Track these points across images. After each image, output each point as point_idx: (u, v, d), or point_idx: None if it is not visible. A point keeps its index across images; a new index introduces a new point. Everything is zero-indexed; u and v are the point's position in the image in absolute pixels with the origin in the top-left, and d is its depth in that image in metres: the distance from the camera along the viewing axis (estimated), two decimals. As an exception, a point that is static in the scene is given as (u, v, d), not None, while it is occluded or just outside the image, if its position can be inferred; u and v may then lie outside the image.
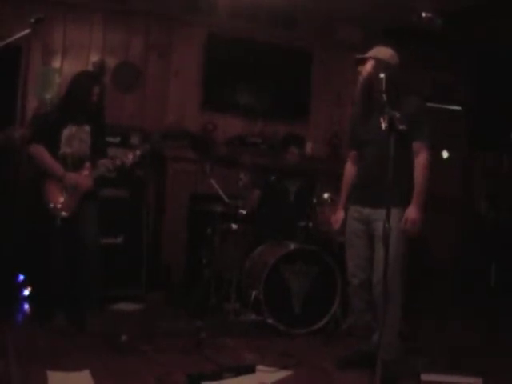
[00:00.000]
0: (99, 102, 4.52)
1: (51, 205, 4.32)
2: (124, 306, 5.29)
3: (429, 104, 4.68)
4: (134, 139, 5.70)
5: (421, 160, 3.71)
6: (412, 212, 3.65)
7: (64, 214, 4.33)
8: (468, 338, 5.05)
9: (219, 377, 3.49)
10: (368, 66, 3.80)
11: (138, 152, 4.57)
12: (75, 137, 4.42)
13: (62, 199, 4.34)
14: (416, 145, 3.73)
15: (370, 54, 3.84)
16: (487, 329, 5.43)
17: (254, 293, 4.78)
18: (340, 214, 4.13)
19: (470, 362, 4.20)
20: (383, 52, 3.82)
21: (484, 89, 7.27)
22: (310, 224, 5.10)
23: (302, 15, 6.70)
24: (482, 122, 7.33)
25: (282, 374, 3.71)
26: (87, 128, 4.47)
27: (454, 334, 5.18)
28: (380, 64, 3.72)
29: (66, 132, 4.39)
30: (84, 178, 4.39)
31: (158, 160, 6.07)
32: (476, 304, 6.27)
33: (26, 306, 5.05)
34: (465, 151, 7.55)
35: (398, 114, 3.20)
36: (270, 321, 4.70)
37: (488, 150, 7.39)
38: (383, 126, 3.22)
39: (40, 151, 4.35)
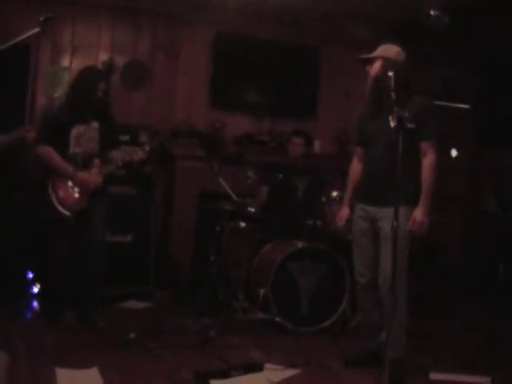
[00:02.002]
0: (105, 97, 4.52)
1: (59, 204, 4.33)
2: (132, 304, 5.31)
3: (436, 102, 4.66)
4: (143, 137, 5.72)
5: (428, 160, 3.71)
6: (419, 213, 3.65)
7: (72, 212, 4.35)
8: (473, 337, 5.03)
9: (227, 375, 3.50)
10: (376, 66, 3.78)
11: (147, 148, 4.59)
12: (84, 135, 4.42)
13: (70, 198, 4.36)
14: (424, 145, 3.72)
15: (377, 53, 3.83)
16: (493, 328, 5.41)
17: (261, 291, 4.78)
18: (345, 212, 4.13)
19: (476, 361, 4.20)
20: (390, 50, 3.81)
21: (491, 87, 7.25)
22: (319, 222, 5.11)
23: (309, 12, 6.67)
24: (488, 120, 7.31)
25: (290, 372, 3.72)
26: (95, 124, 4.46)
27: (460, 333, 5.16)
28: (388, 63, 3.70)
29: (74, 132, 4.39)
30: (93, 176, 4.39)
31: (167, 158, 6.08)
32: (483, 303, 6.25)
33: (35, 304, 5.07)
34: (472, 150, 7.53)
35: (407, 113, 3.20)
36: (277, 319, 4.70)
37: (495, 149, 7.36)
38: (392, 124, 3.22)
39: (49, 152, 4.35)
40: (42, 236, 5.08)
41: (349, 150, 6.60)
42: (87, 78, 4.47)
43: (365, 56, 3.87)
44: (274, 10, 6.44)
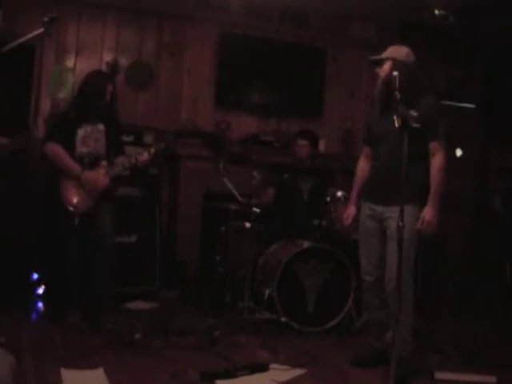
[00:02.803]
0: (112, 100, 4.54)
1: (67, 203, 4.34)
2: (138, 305, 5.30)
3: (443, 102, 4.65)
4: (148, 138, 5.72)
5: (437, 160, 3.71)
6: (428, 212, 3.65)
7: (80, 212, 4.35)
8: (479, 337, 5.01)
9: (233, 375, 3.50)
10: (386, 67, 3.78)
11: (152, 150, 4.59)
12: (90, 136, 4.44)
13: (78, 198, 4.36)
14: (432, 145, 3.72)
15: (386, 54, 3.83)
16: (499, 328, 5.39)
17: (267, 291, 4.78)
18: (351, 210, 4.14)
19: (482, 361, 4.18)
20: (399, 51, 3.81)
21: (498, 86, 7.23)
22: (324, 222, 5.10)
23: (315, 12, 6.67)
24: (495, 119, 7.29)
25: (296, 372, 3.72)
26: (101, 127, 4.49)
27: (465, 333, 5.14)
28: (397, 64, 3.70)
29: (80, 132, 4.41)
30: (101, 176, 4.40)
31: (172, 158, 6.08)
32: (489, 303, 6.23)
33: (41, 305, 5.08)
34: (478, 149, 7.51)
35: (413, 113, 3.20)
36: (283, 319, 4.69)
37: (501, 147, 7.34)
38: (396, 123, 3.21)
39: (57, 150, 4.36)
40: (48, 237, 5.09)
41: (354, 150, 6.59)
42: (96, 80, 4.49)
43: (374, 58, 3.87)
44: (280, 9, 6.44)
